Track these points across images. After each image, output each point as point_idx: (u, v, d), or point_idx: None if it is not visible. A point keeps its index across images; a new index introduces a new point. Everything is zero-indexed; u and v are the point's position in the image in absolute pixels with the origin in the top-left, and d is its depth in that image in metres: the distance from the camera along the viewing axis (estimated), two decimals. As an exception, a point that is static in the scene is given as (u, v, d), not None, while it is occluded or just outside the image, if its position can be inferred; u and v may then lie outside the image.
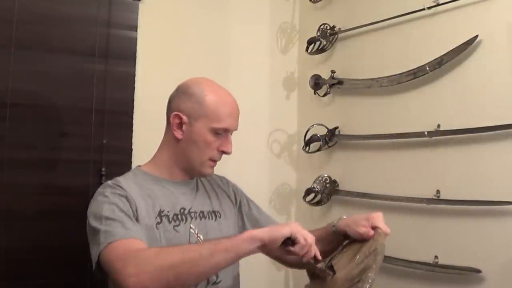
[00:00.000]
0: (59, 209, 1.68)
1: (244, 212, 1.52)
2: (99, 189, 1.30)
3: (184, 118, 1.34)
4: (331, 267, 1.19)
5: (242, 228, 1.49)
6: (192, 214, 1.36)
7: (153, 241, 1.25)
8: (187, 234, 1.33)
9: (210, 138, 1.33)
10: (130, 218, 1.21)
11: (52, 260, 1.65)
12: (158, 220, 1.29)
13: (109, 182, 1.31)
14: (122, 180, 1.32)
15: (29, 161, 1.67)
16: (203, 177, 1.47)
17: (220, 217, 1.43)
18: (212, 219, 1.41)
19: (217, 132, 1.34)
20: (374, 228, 1.26)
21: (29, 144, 1.67)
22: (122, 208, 1.22)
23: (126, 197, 1.25)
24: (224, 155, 1.39)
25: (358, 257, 1.19)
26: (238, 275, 1.45)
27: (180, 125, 1.35)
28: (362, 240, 1.26)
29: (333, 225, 1.36)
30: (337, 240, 1.37)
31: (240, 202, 1.53)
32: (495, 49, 1.56)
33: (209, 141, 1.33)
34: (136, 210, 1.25)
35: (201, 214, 1.38)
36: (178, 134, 1.35)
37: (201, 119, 1.33)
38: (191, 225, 1.34)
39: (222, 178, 1.55)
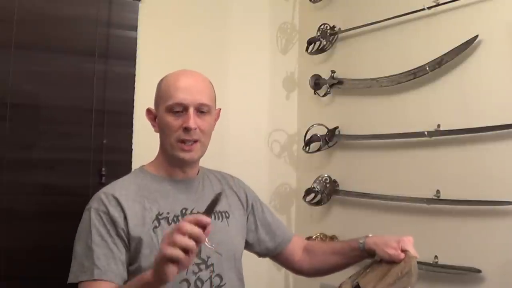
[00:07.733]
0: (59, 209, 1.68)
1: (258, 216, 1.49)
2: (90, 201, 1.29)
3: (153, 110, 1.37)
4: (357, 287, 1.18)
5: (255, 232, 1.48)
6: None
7: (150, 246, 1.23)
8: None
9: (169, 118, 1.30)
10: (106, 244, 1.21)
11: (52, 260, 1.64)
12: (156, 224, 1.26)
13: (102, 192, 1.29)
14: (118, 185, 1.31)
15: (29, 161, 1.67)
16: (186, 163, 1.35)
17: (228, 217, 1.39)
18: (219, 219, 1.36)
19: (174, 110, 1.30)
20: (403, 251, 1.26)
21: (29, 144, 1.67)
22: (100, 231, 1.22)
23: (108, 214, 1.23)
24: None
25: (389, 278, 1.19)
26: (242, 276, 1.41)
27: (154, 118, 1.37)
28: (390, 261, 1.26)
29: (361, 242, 1.36)
30: (359, 257, 1.37)
31: (252, 206, 1.49)
32: (495, 49, 1.56)
33: (169, 121, 1.30)
34: (125, 221, 1.23)
35: None
36: (155, 128, 1.37)
37: (159, 104, 1.34)
38: None
39: (234, 178, 1.52)
